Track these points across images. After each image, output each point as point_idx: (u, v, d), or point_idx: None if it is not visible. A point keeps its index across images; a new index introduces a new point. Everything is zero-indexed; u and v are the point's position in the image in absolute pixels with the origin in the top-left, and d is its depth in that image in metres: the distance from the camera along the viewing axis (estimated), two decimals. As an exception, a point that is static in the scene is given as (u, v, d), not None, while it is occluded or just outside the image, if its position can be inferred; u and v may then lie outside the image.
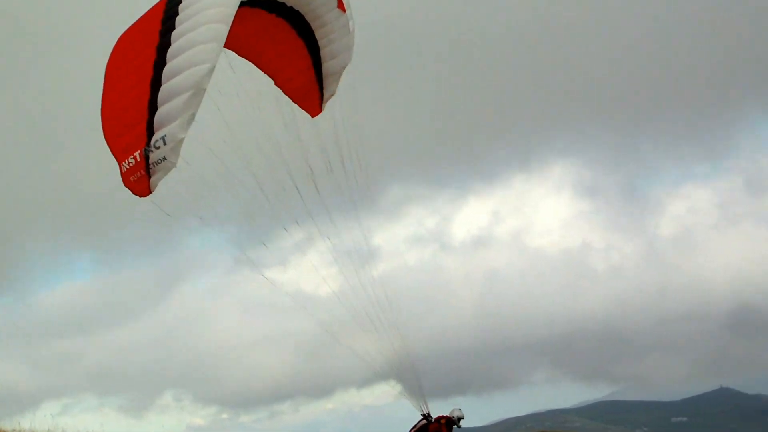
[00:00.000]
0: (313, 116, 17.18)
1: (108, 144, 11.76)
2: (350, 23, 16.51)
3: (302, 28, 16.59)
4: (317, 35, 16.70)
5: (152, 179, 11.07)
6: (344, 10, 16.49)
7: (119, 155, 11.48)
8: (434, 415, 19.06)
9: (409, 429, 19.29)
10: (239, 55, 16.03)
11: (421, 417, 19.17)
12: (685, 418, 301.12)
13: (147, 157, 10.99)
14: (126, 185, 11.32)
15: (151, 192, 11.27)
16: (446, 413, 19.13)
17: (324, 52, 16.89)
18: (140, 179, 11.05)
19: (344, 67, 16.85)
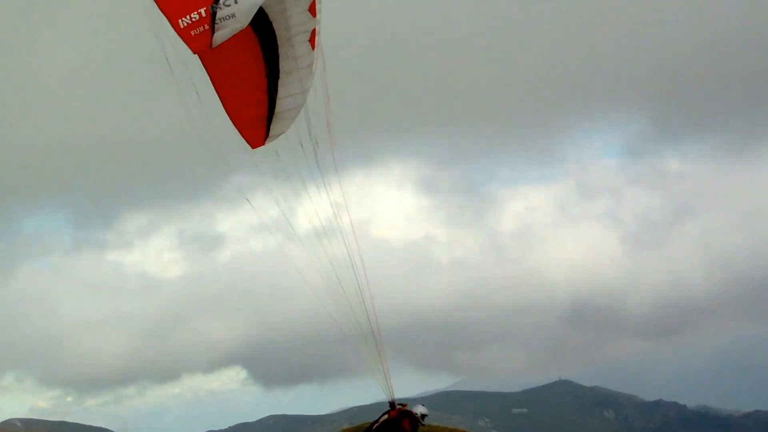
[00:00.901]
0: (253, 148, 15.64)
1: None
2: (314, 65, 14.89)
3: (270, 51, 14.67)
4: (281, 65, 14.85)
5: (216, 34, 11.19)
6: (313, 47, 14.72)
7: (175, 13, 11.20)
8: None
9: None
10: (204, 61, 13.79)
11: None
12: (525, 409, 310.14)
13: (214, 14, 10.96)
14: (183, 38, 11.35)
15: (210, 47, 11.64)
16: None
17: (281, 90, 15.11)
18: (203, 33, 11.15)
19: (299, 108, 15.21)
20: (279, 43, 14.52)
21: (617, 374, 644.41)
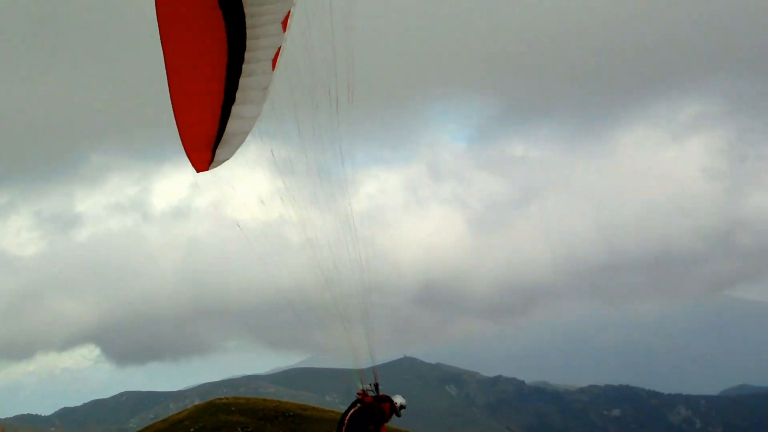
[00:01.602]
0: (197, 171, 14.20)
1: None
2: (270, 87, 14.02)
3: (234, 60, 13.66)
4: (240, 82, 13.75)
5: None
6: (273, 68, 13.78)
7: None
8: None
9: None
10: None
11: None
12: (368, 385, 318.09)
13: None
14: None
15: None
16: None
17: (235, 108, 13.97)
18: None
19: (245, 135, 14.28)
20: (246, 56, 13.69)
21: (460, 352, 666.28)
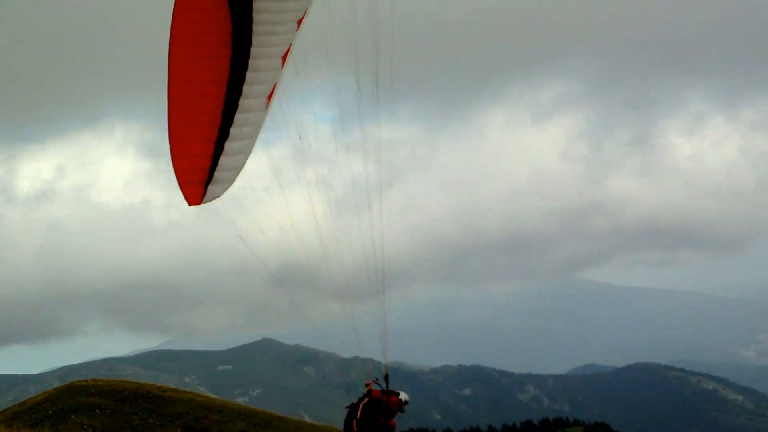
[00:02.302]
0: (189, 205, 14.04)
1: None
2: (263, 124, 14.15)
3: (232, 93, 13.47)
4: (236, 118, 13.71)
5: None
6: (268, 104, 13.98)
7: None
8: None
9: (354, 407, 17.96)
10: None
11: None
12: (230, 366, 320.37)
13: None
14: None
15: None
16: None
17: (228, 145, 13.91)
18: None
19: (238, 171, 14.33)
20: (243, 90, 13.49)
21: (318, 334, 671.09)
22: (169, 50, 12.47)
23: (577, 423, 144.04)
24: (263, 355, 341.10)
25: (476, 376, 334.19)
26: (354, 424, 17.49)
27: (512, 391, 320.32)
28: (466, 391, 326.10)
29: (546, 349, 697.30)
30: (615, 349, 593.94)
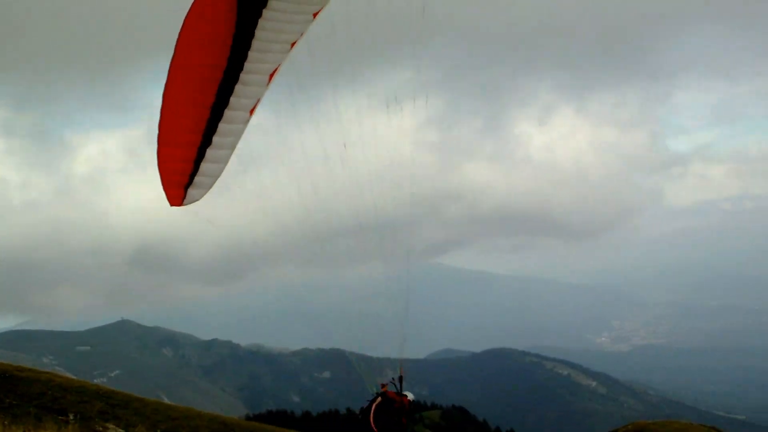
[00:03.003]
0: (171, 205, 14.73)
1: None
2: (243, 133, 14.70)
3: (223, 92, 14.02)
4: (219, 127, 14.36)
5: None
6: (251, 115, 14.64)
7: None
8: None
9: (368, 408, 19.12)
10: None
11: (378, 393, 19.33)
12: (88, 347, 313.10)
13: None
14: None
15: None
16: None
17: (209, 153, 14.51)
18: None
19: (215, 179, 14.92)
20: (230, 101, 14.01)
21: (177, 315, 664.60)
22: (173, 57, 13.19)
23: (434, 406, 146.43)
24: (122, 336, 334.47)
25: (335, 359, 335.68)
26: (372, 421, 18.90)
27: (371, 375, 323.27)
28: (326, 374, 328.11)
29: (405, 333, 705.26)
30: (473, 334, 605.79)
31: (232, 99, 13.96)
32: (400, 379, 20.07)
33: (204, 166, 14.39)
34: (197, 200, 14.78)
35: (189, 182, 14.47)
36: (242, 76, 13.82)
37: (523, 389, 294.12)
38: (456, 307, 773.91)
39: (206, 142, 14.16)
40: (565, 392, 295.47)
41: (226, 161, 14.72)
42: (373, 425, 18.86)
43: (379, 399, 19.57)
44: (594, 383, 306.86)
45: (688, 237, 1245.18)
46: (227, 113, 14.08)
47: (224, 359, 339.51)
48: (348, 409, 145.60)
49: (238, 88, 13.91)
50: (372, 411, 19.19)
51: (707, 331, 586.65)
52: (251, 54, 13.63)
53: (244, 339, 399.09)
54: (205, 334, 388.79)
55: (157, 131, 13.86)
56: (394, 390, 19.92)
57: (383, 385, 20.11)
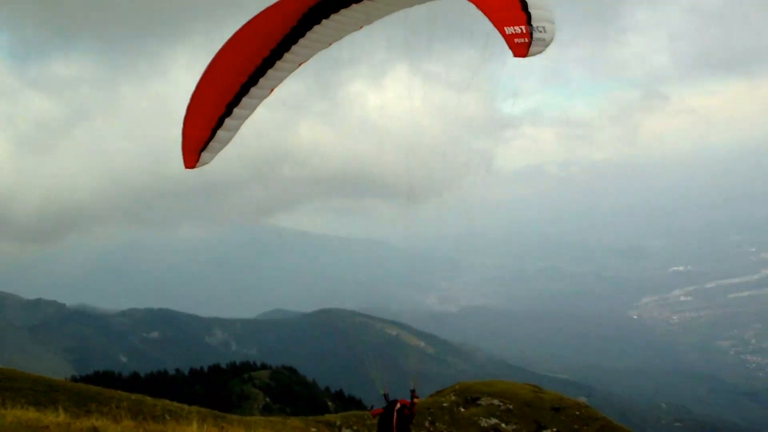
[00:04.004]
0: (186, 167, 17.20)
1: (494, 12, 13.49)
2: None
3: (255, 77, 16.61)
4: (244, 99, 16.73)
5: (531, 49, 13.37)
6: (269, 94, 16.97)
7: (501, 21, 13.43)
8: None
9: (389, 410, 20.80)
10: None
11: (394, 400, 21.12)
12: None
13: (531, 33, 13.25)
14: (508, 42, 13.34)
15: (526, 56, 13.46)
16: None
17: (228, 122, 16.87)
18: (524, 44, 13.30)
19: (224, 145, 17.19)
20: (259, 81, 16.19)
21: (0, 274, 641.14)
22: (227, 41, 15.60)
23: (264, 366, 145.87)
24: None
25: (165, 319, 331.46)
26: (395, 427, 20.31)
27: (200, 335, 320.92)
28: (154, 335, 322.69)
29: (234, 293, 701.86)
30: (303, 295, 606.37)
31: (261, 80, 16.13)
32: (413, 391, 21.19)
33: (219, 133, 16.37)
34: (207, 163, 16.70)
35: (204, 147, 16.41)
36: (278, 63, 16.05)
37: (352, 349, 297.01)
38: (286, 268, 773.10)
39: (227, 112, 16.20)
40: (394, 353, 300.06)
41: (237, 130, 16.67)
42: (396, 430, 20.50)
43: (399, 405, 20.89)
44: (422, 343, 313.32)
45: (517, 201, 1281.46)
46: (253, 90, 16.19)
47: (50, 319, 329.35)
48: (177, 370, 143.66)
49: (270, 72, 16.07)
50: (395, 419, 20.58)
51: (533, 294, 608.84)
52: (288, 55, 15.98)
53: (70, 299, 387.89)
54: (29, 294, 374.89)
55: (189, 103, 16.02)
56: (408, 401, 21.13)
57: (404, 401, 21.06)
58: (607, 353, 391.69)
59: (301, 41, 15.90)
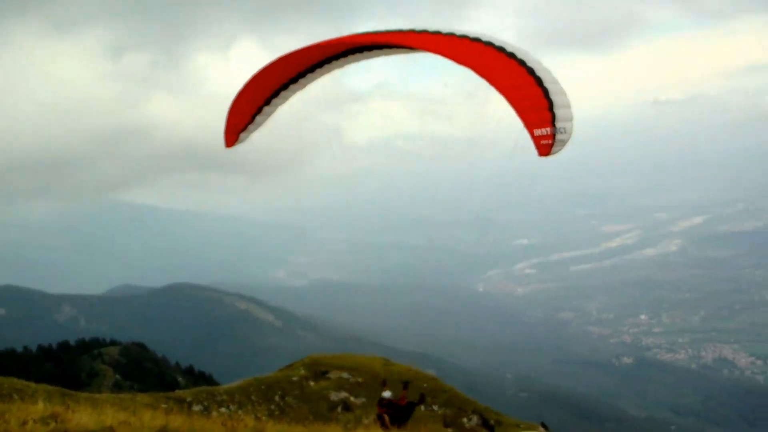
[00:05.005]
0: (226, 147, 21.51)
1: (527, 115, 16.18)
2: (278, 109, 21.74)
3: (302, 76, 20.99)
4: (287, 90, 21.19)
5: (552, 149, 15.97)
6: (300, 90, 21.70)
7: (532, 124, 16.01)
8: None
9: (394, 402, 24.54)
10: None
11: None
12: None
13: (554, 135, 15.80)
14: (535, 142, 15.98)
15: (548, 155, 16.07)
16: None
17: (265, 107, 21.28)
18: (547, 145, 15.91)
19: (261, 125, 21.41)
20: (299, 80, 20.22)
21: None
22: (266, 65, 19.17)
23: (114, 343, 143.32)
24: None
25: (11, 296, 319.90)
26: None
27: (49, 312, 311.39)
28: (1, 312, 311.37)
29: (84, 269, 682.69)
30: (152, 270, 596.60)
31: (282, 92, 20.05)
32: (406, 384, 25.04)
33: (257, 118, 20.17)
34: (243, 142, 20.50)
35: (243, 129, 20.24)
36: (292, 86, 20.05)
37: (203, 324, 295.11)
38: (136, 243, 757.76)
39: (267, 102, 20.00)
40: (244, 327, 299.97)
41: (270, 116, 20.34)
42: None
43: (406, 401, 24.57)
44: (271, 317, 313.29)
45: (367, 175, 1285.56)
46: (281, 93, 19.98)
47: None
48: (25, 348, 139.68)
49: (292, 86, 20.04)
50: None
51: (381, 267, 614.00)
52: (305, 77, 20.05)
53: None
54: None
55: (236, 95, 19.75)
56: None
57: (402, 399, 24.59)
58: (454, 326, 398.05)
59: (309, 75, 19.93)
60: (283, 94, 20.26)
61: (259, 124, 20.52)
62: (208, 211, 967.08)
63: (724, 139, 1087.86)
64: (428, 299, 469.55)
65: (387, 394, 24.25)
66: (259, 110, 20.08)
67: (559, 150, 16.04)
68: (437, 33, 17.54)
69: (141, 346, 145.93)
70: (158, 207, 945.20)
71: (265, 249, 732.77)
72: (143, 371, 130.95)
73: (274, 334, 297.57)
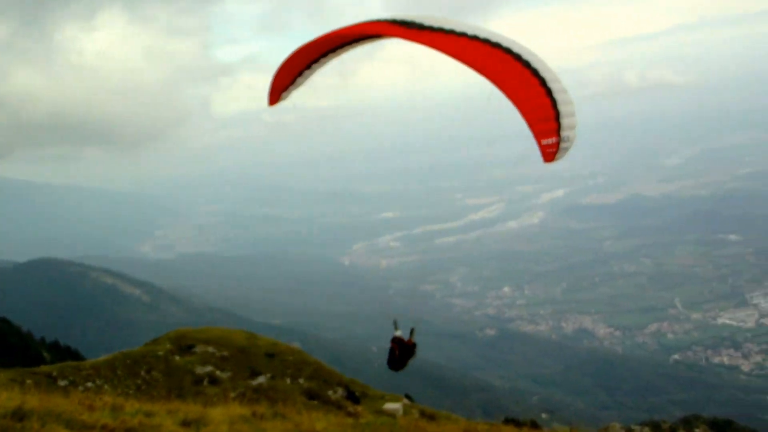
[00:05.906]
0: (269, 105, 23.33)
1: (536, 126, 17.26)
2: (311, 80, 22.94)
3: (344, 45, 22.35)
4: (319, 61, 22.26)
5: (557, 155, 17.27)
6: (335, 57, 23.01)
7: (541, 134, 17.18)
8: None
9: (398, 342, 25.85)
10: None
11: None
12: None
13: (558, 143, 17.08)
14: (542, 150, 17.17)
15: (552, 162, 17.60)
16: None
17: (306, 71, 22.43)
18: (552, 152, 17.17)
19: (300, 86, 22.81)
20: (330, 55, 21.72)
21: None
22: (312, 39, 20.51)
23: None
24: None
25: None
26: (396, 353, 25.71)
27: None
28: None
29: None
30: (16, 245, 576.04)
31: (321, 58, 21.40)
32: (412, 330, 25.47)
33: (297, 80, 21.79)
34: (284, 100, 22.31)
35: (285, 89, 22.02)
36: (330, 54, 21.30)
37: (68, 299, 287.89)
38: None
39: (308, 67, 21.51)
40: (110, 302, 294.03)
41: (308, 78, 21.94)
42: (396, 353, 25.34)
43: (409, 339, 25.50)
44: (138, 292, 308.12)
45: (234, 147, 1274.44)
46: (320, 59, 21.39)
47: None
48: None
49: (330, 54, 21.36)
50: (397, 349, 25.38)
51: (249, 239, 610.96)
52: (336, 52, 21.30)
53: None
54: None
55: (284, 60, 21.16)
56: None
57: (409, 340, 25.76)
58: (320, 298, 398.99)
59: (339, 50, 21.29)
60: (322, 60, 21.90)
61: (300, 84, 22.25)
62: (71, 184, 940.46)
63: (587, 112, 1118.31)
64: (295, 272, 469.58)
65: (398, 333, 26.04)
66: (298, 74, 21.79)
67: (562, 156, 17.53)
68: (463, 35, 18.41)
69: (4, 321, 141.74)
70: (20, 180, 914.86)
71: (131, 222, 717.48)
72: (7, 346, 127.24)
73: (141, 309, 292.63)
